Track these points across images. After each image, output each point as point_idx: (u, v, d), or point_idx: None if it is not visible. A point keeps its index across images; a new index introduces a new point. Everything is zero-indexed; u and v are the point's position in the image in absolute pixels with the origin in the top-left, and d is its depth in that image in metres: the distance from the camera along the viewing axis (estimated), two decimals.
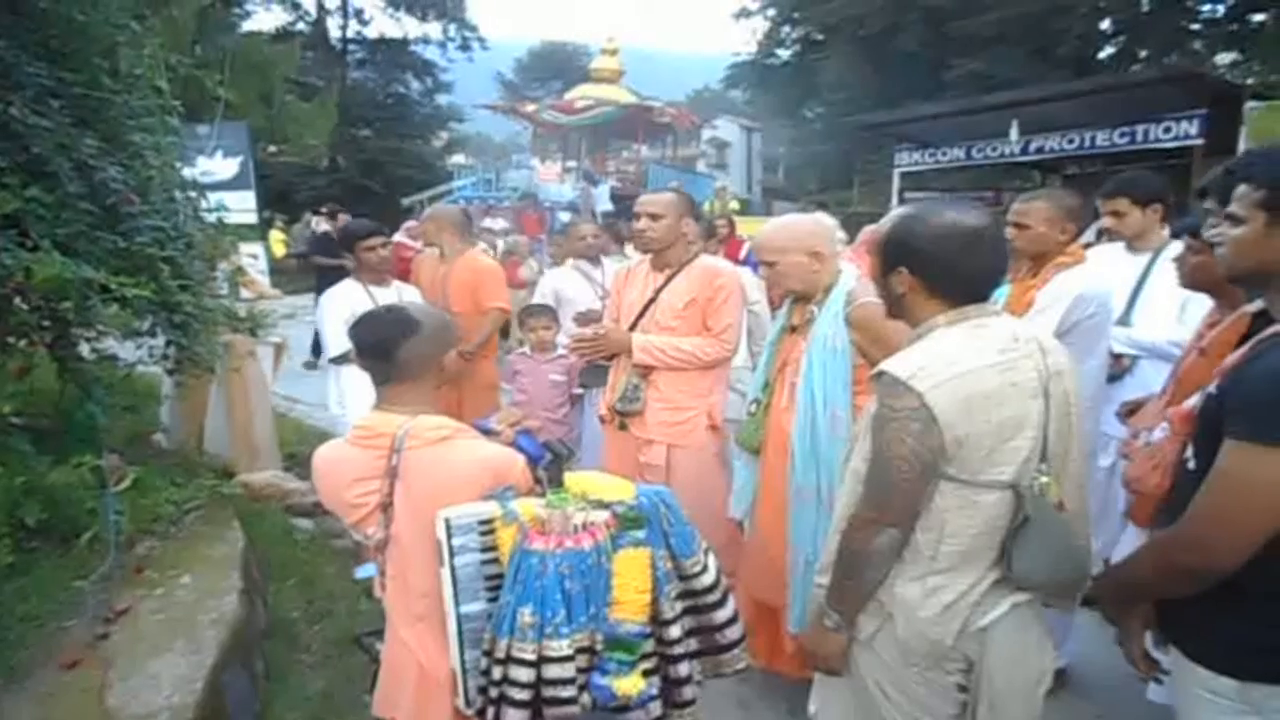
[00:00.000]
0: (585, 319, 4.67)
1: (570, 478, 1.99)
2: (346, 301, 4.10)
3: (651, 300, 3.54)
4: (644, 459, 3.49)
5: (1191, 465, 1.64)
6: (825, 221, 3.03)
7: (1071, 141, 11.70)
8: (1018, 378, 1.71)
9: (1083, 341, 2.95)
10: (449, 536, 1.84)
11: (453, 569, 1.84)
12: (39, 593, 2.88)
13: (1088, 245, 3.79)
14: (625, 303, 3.68)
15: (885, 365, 1.73)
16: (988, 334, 1.75)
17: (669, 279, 3.53)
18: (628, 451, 3.54)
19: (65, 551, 3.21)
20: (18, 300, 3.07)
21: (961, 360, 1.68)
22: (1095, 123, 11.31)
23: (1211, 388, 1.60)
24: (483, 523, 1.87)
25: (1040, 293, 3.10)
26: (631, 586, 1.83)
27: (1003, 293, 3.31)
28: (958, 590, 1.74)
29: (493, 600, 1.86)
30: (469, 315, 4.61)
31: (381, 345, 2.00)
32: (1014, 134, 11.75)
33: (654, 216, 3.46)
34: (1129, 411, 2.77)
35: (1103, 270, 3.31)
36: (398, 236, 7.85)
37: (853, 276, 2.85)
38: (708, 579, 1.98)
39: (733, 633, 2.02)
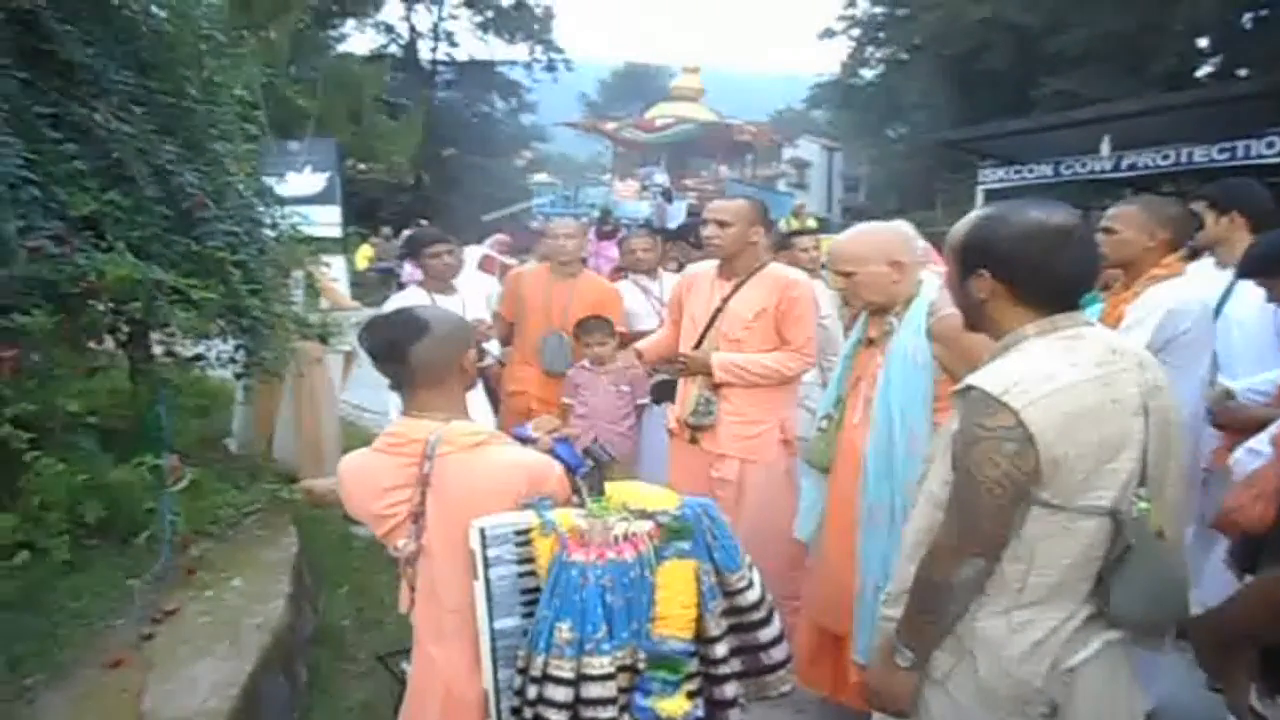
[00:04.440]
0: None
1: (611, 487, 1.89)
2: None
3: (719, 310, 3.42)
4: (716, 474, 3.37)
5: None
6: (904, 229, 2.87)
7: (1167, 157, 11.11)
8: (1118, 394, 1.55)
9: (1179, 360, 2.72)
10: (484, 547, 1.74)
11: (487, 581, 1.75)
12: (91, 591, 2.89)
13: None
14: (690, 313, 3.56)
15: (974, 380, 1.58)
16: (1083, 346, 1.59)
17: (736, 288, 3.41)
18: (695, 466, 3.43)
19: (123, 550, 3.23)
20: (91, 300, 3.13)
21: (1058, 374, 1.53)
22: (1193, 138, 10.76)
23: None
24: (519, 533, 1.77)
25: (1130, 307, 2.89)
26: (676, 600, 1.73)
27: (1096, 309, 3.11)
28: (1047, 626, 1.57)
29: (528, 616, 1.76)
30: None
31: (391, 348, 1.93)
32: (1105, 149, 11.30)
33: (721, 224, 3.35)
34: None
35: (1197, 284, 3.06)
36: (484, 249, 7.87)
37: (934, 287, 2.69)
38: (753, 595, 1.87)
39: (778, 653, 1.91)
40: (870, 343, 2.83)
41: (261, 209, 4.05)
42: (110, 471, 3.16)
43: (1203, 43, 20.98)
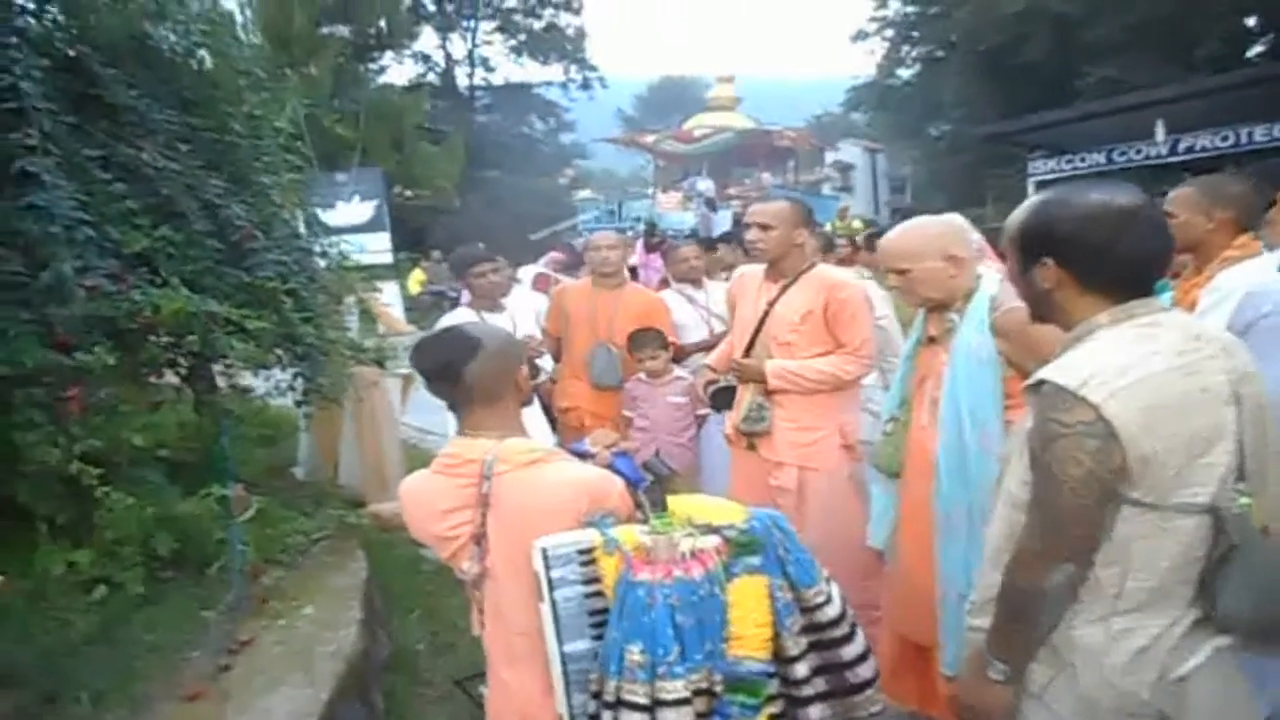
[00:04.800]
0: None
1: (674, 501, 1.82)
2: None
3: (766, 314, 3.35)
4: (775, 482, 3.29)
5: None
6: (957, 221, 2.77)
7: (1225, 139, 10.70)
8: (1206, 382, 1.45)
9: (1261, 345, 2.54)
10: (547, 568, 1.69)
11: (553, 604, 1.69)
12: (167, 623, 2.93)
13: None
14: (739, 316, 3.50)
15: (1046, 374, 1.49)
16: (1162, 333, 1.49)
17: (783, 290, 3.34)
18: (756, 474, 3.36)
19: (197, 582, 3.27)
20: (149, 336, 3.18)
21: (1138, 364, 1.43)
22: (1252, 117, 10.36)
23: None
24: (582, 552, 1.71)
25: (1204, 291, 2.76)
26: (750, 619, 1.66)
27: (1167, 296, 2.98)
28: (1150, 634, 1.48)
29: (598, 638, 1.70)
30: None
31: (445, 369, 1.89)
32: (1160, 134, 10.92)
33: (764, 227, 3.28)
34: None
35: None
36: (539, 268, 7.85)
37: (995, 280, 2.59)
38: (833, 611, 1.78)
39: (864, 671, 1.81)
40: (932, 341, 2.73)
41: (310, 238, 4.10)
42: (179, 504, 3.21)
43: (1251, 22, 20.28)
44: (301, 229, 4.05)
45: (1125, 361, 1.44)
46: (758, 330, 3.37)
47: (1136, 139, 11.50)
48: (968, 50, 24.18)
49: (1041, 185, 13.32)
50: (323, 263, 4.14)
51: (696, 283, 5.03)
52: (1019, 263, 1.65)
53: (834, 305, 3.23)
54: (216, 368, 3.57)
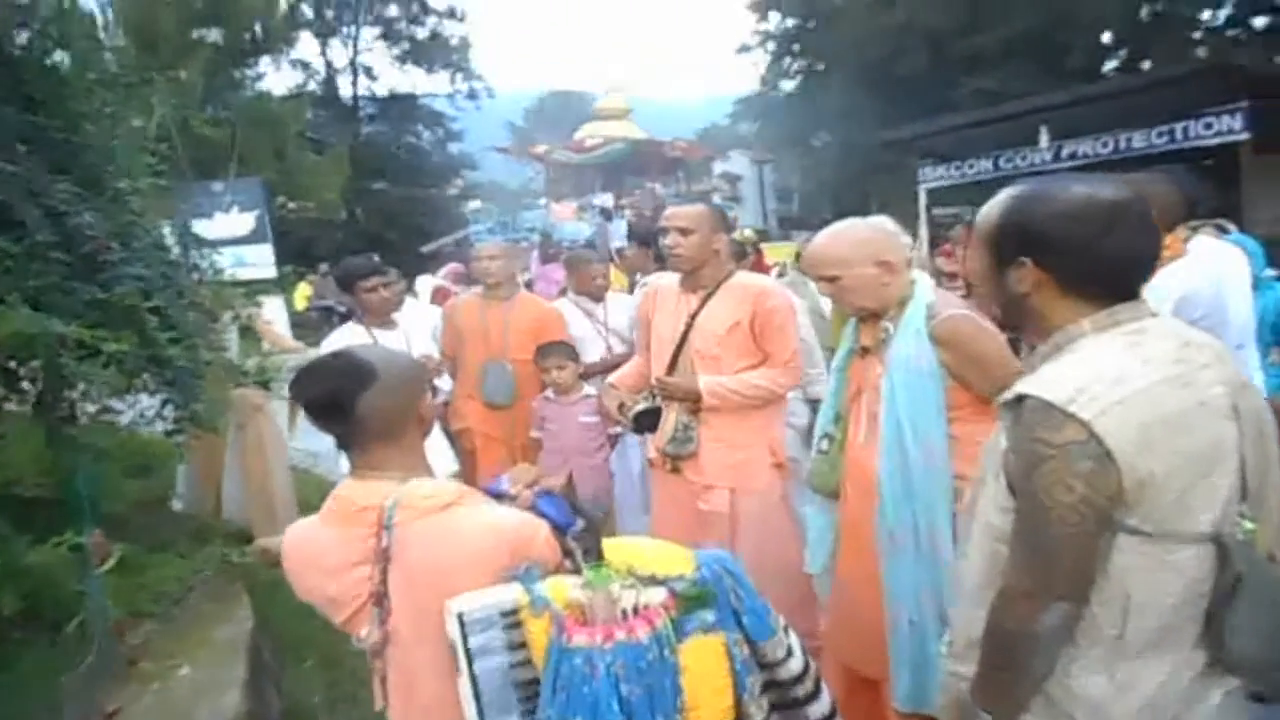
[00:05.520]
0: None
1: (611, 547, 1.57)
2: None
3: (688, 327, 3.17)
4: (705, 506, 3.10)
5: None
6: (888, 225, 2.64)
7: (1106, 145, 11.12)
8: (1203, 395, 1.32)
9: None
10: (464, 636, 1.42)
11: (473, 678, 1.42)
12: (17, 692, 2.56)
13: None
14: (656, 333, 3.30)
15: (1027, 388, 1.33)
16: (1151, 340, 1.36)
17: (704, 301, 3.16)
18: (682, 498, 3.17)
19: (53, 643, 2.87)
20: None
21: (1130, 376, 1.29)
22: (1130, 123, 10.81)
23: None
24: (505, 614, 1.44)
25: None
26: (707, 685, 1.43)
27: None
28: (1156, 680, 1.33)
29: (529, 713, 1.45)
30: (530, 363, 4.18)
31: (332, 401, 1.60)
32: (1044, 140, 11.33)
33: (684, 231, 3.10)
34: None
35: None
36: (439, 280, 7.49)
37: (929, 286, 2.47)
38: (795, 665, 1.57)
39: None
40: (865, 352, 2.58)
41: (180, 250, 3.72)
42: (28, 553, 2.80)
43: (1106, 38, 21.50)
44: (169, 240, 3.65)
45: (1117, 373, 1.30)
46: (680, 345, 3.18)
47: (1021, 145, 11.88)
48: (848, 63, 24.83)
49: (932, 192, 13.71)
50: (196, 277, 3.76)
51: (597, 298, 4.83)
52: (992, 264, 1.50)
53: (762, 315, 3.07)
54: (75, 394, 3.17)
